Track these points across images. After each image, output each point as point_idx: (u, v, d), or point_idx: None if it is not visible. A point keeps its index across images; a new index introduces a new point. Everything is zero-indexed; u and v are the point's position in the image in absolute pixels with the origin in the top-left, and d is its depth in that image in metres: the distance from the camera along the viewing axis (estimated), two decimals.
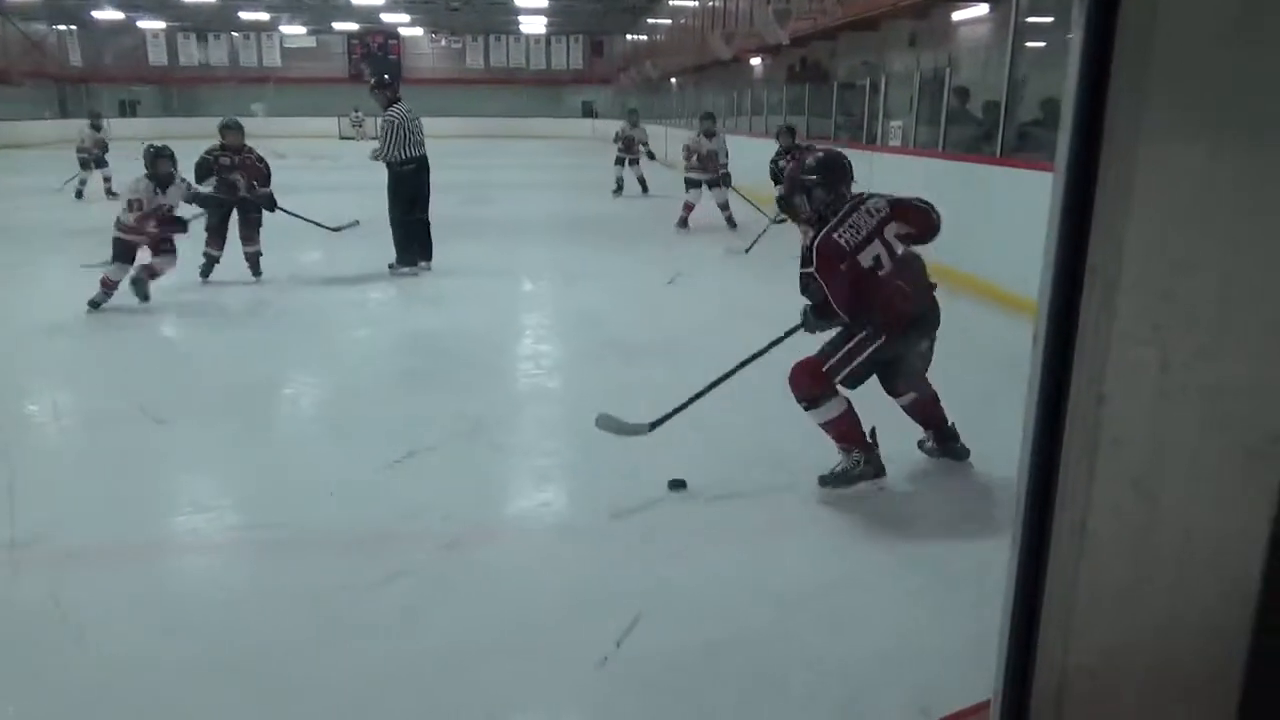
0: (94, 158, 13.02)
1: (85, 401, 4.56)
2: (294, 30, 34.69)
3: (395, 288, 7.33)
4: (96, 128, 13.28)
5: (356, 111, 31.96)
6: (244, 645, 2.45)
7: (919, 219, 3.29)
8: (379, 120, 7.57)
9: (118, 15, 29.85)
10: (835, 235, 3.16)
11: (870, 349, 3.20)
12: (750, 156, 10.99)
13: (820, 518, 3.18)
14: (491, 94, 35.85)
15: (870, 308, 3.19)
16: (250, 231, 7.32)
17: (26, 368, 5.18)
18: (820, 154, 3.36)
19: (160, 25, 33.56)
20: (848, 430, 3.26)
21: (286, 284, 7.28)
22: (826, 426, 3.26)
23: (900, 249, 3.25)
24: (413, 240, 7.63)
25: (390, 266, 7.61)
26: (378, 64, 32.68)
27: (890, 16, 12.20)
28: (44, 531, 3.11)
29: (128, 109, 33.97)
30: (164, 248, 6.36)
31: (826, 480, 3.29)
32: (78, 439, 4.20)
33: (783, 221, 9.86)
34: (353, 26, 34.07)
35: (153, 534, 3.17)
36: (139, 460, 3.81)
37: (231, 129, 7.39)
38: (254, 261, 7.35)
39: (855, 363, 3.21)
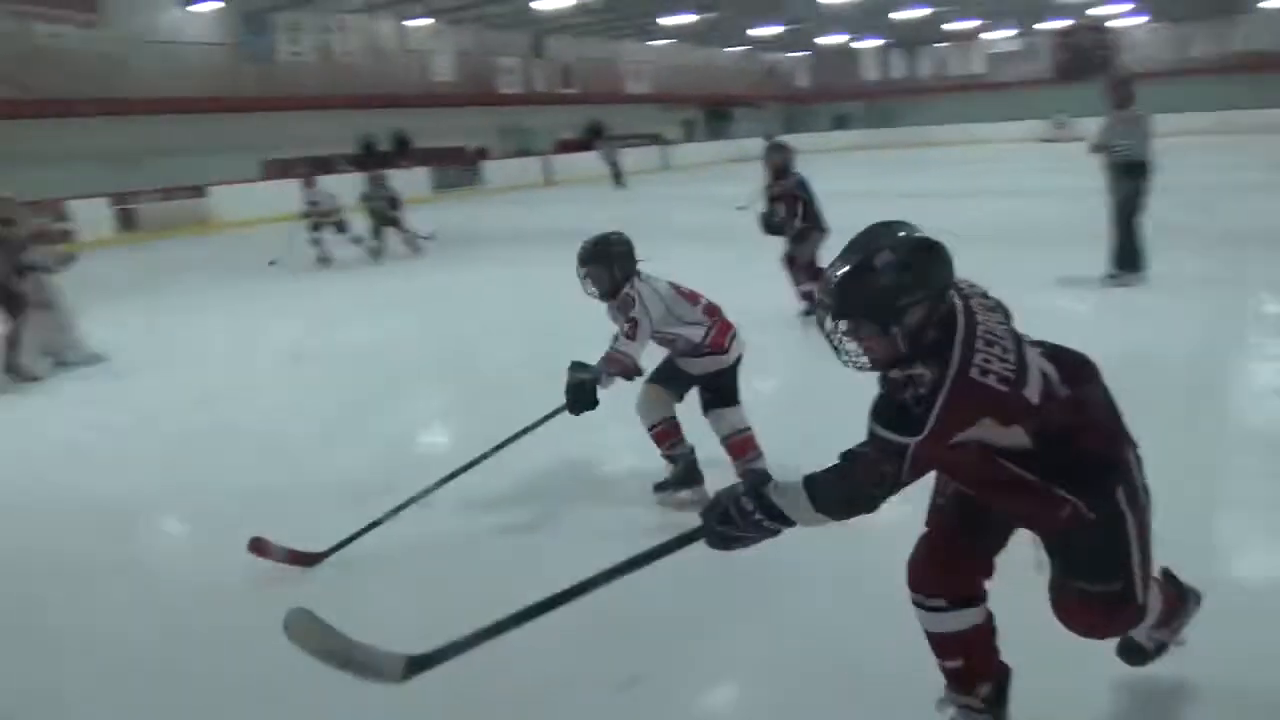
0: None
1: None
2: (1000, 34, 34.49)
3: (1103, 299, 6.74)
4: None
5: (1061, 113, 30.51)
6: (549, 674, 2.49)
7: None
8: (1137, 120, 6.75)
9: (841, 38, 32.83)
10: (973, 374, 1.76)
11: (1139, 528, 1.92)
12: None
13: None
14: (1225, 83, 30.87)
15: (1079, 464, 1.89)
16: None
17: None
18: (908, 234, 1.83)
19: (876, 43, 36.11)
20: None
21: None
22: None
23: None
24: (1133, 247, 6.93)
25: (1111, 276, 6.95)
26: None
27: None
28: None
29: (839, 123, 37.22)
30: None
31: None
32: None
33: None
34: (1063, 24, 32.54)
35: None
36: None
37: (776, 150, 6.48)
38: None
39: (1144, 552, 1.94)
